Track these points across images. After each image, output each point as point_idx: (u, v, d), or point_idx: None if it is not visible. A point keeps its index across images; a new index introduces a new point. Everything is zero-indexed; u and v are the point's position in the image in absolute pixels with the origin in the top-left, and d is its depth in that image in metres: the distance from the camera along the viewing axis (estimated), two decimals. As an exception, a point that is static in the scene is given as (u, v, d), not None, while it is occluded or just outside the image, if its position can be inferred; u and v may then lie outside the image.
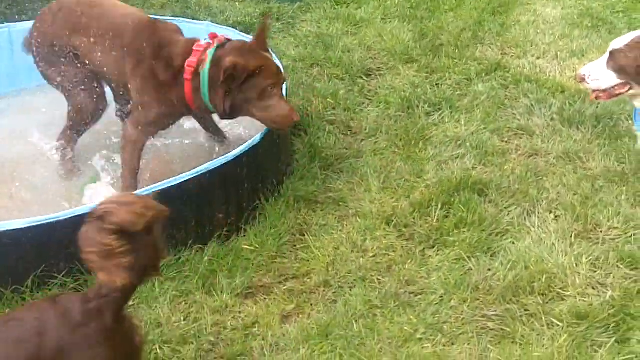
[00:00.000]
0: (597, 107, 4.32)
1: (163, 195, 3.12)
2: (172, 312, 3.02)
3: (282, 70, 3.58)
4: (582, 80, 3.48)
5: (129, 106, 3.75)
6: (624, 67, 3.33)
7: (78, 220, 2.95)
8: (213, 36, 3.53)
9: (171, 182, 3.20)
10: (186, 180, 3.23)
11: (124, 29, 3.60)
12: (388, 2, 6.05)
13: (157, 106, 3.56)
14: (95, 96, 3.82)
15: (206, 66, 3.39)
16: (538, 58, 5.08)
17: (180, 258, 3.26)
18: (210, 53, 3.42)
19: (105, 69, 3.69)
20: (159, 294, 3.08)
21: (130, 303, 2.98)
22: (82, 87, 3.77)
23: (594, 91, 3.49)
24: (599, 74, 3.41)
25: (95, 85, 3.81)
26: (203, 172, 3.28)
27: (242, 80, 3.33)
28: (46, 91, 4.63)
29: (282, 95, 3.51)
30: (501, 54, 5.19)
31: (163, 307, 3.03)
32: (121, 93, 3.79)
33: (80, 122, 3.87)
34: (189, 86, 3.45)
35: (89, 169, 3.94)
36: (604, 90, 3.45)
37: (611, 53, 3.37)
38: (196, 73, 3.43)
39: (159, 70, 3.50)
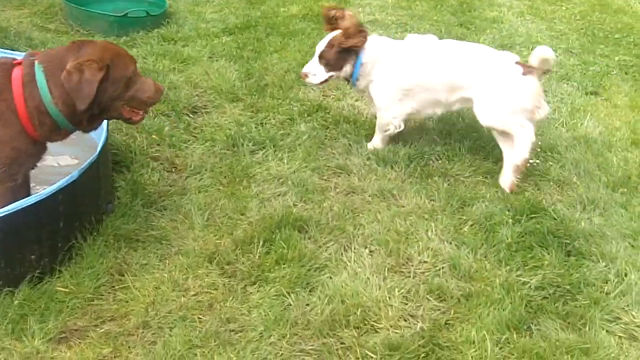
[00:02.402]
0: (410, 147, 4.60)
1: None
2: (-25, 361, 2.83)
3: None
4: (306, 76, 4.48)
5: None
6: (329, 59, 4.40)
7: None
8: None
9: (-23, 221, 3.00)
10: (-6, 220, 3.04)
11: None
12: (215, 41, 6.13)
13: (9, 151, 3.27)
14: None
15: (42, 83, 3.18)
16: (356, 100, 5.31)
17: (-13, 302, 3.06)
18: (38, 68, 3.20)
19: None
20: (-39, 341, 2.88)
21: None
22: None
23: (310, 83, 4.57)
24: (315, 70, 4.45)
25: None
26: (13, 210, 3.08)
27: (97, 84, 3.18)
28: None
29: (140, 75, 3.50)
30: (322, 95, 5.37)
31: (-34, 355, 2.84)
32: None
33: None
34: (24, 113, 3.20)
35: None
36: (320, 82, 4.51)
37: (320, 53, 4.42)
38: (30, 96, 3.19)
39: None
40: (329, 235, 3.72)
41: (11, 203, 3.19)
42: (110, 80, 3.24)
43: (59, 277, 3.28)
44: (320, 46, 4.45)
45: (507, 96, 4.21)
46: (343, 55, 4.40)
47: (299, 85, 5.40)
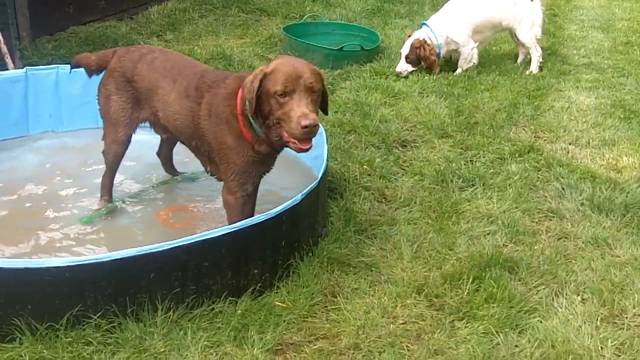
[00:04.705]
0: (627, 196, 4.42)
1: (203, 246, 3.25)
2: (202, 362, 3.07)
3: (308, 75, 3.28)
4: (400, 73, 6.38)
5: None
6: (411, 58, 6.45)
7: (118, 264, 3.10)
8: None
9: (212, 234, 3.27)
10: (227, 233, 3.29)
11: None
12: (426, 77, 6.27)
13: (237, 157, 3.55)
14: (125, 140, 4.00)
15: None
16: (570, 144, 5.21)
17: (213, 309, 3.32)
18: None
19: (179, 121, 3.73)
20: (190, 343, 3.13)
21: (162, 349, 3.08)
22: (124, 127, 3.95)
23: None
24: (404, 67, 6.45)
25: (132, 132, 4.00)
26: (243, 227, 3.34)
27: (255, 90, 3.27)
28: (87, 134, 4.82)
29: (301, 101, 3.24)
30: (534, 137, 5.32)
31: (194, 355, 3.08)
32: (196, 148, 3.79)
33: (108, 158, 4.08)
34: (240, 118, 3.48)
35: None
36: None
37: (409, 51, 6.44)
38: (241, 102, 3.45)
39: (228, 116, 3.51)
40: (539, 279, 3.67)
41: (244, 213, 3.48)
42: (263, 91, 3.30)
43: (277, 292, 3.50)
44: (404, 50, 6.44)
45: None
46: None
47: (510, 124, 5.38)
